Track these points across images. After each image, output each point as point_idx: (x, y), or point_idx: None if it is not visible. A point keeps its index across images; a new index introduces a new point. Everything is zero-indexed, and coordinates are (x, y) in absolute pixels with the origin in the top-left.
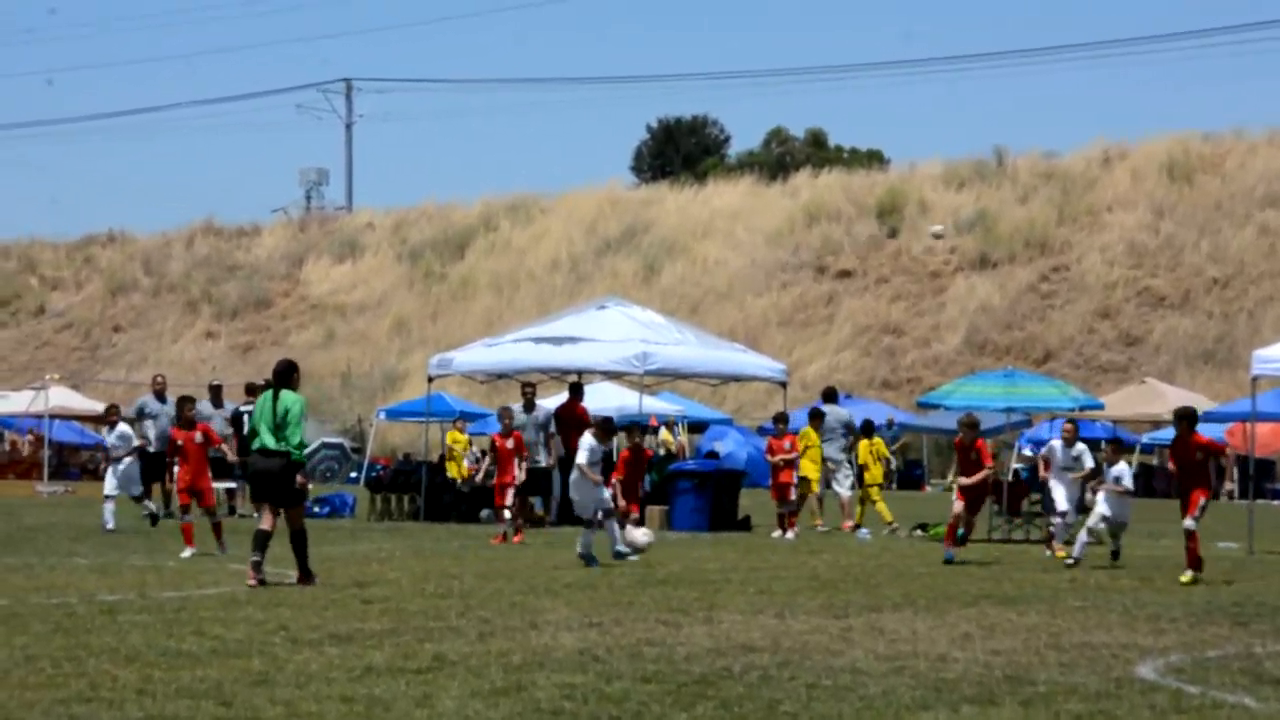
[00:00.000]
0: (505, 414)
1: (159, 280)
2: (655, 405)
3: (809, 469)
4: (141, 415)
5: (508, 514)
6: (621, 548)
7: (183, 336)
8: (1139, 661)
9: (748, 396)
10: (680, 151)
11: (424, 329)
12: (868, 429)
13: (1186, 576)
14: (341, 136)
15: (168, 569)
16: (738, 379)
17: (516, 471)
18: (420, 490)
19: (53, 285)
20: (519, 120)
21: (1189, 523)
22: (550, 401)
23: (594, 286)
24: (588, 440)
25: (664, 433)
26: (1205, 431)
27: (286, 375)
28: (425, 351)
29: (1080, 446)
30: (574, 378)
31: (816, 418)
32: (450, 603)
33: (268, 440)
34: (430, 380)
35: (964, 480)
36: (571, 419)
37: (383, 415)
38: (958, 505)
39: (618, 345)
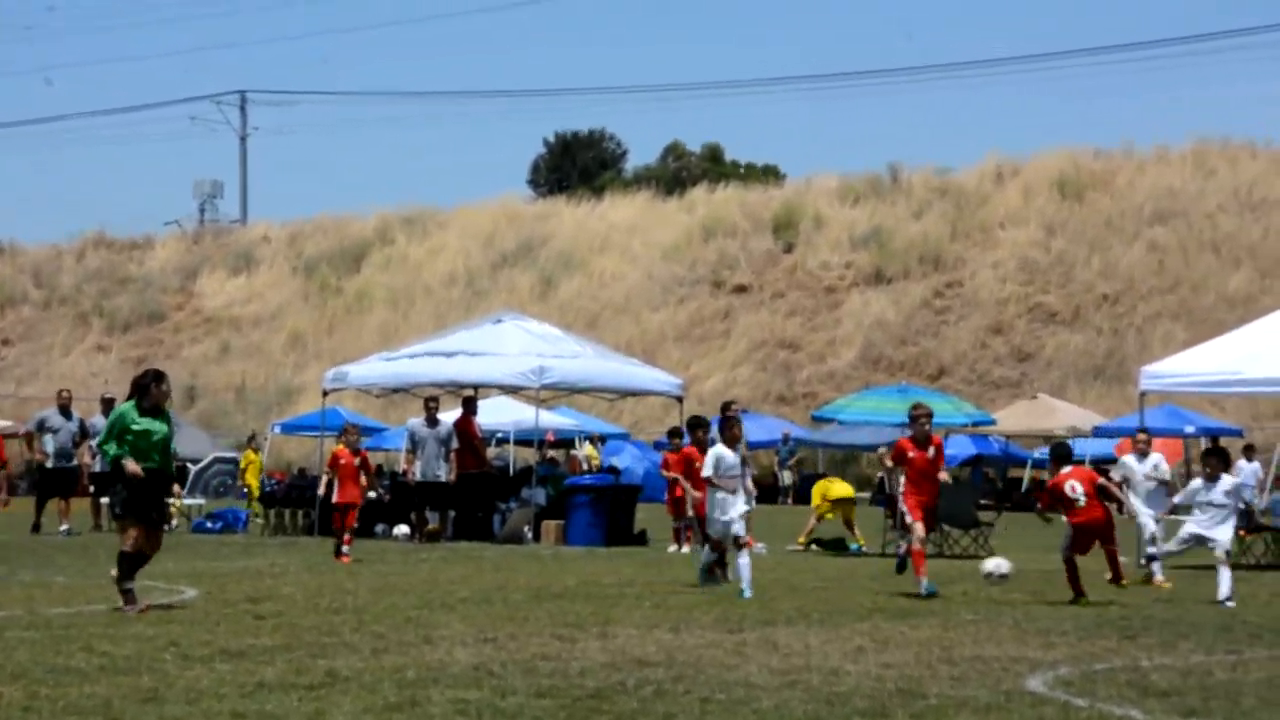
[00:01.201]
0: (352, 430)
1: (49, 293)
2: (552, 420)
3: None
4: (41, 429)
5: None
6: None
7: (74, 350)
8: (1029, 674)
9: (644, 411)
10: (577, 165)
11: (320, 343)
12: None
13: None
14: (236, 148)
15: (56, 585)
16: (634, 394)
17: (357, 490)
18: (314, 505)
19: None
20: (415, 133)
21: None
22: (447, 417)
23: (491, 300)
24: (721, 452)
25: (588, 447)
26: (1093, 447)
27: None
28: (321, 365)
29: (1156, 455)
30: (469, 392)
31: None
32: (344, 618)
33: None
34: (325, 394)
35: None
36: (463, 434)
37: (277, 429)
38: (920, 529)
39: (514, 359)
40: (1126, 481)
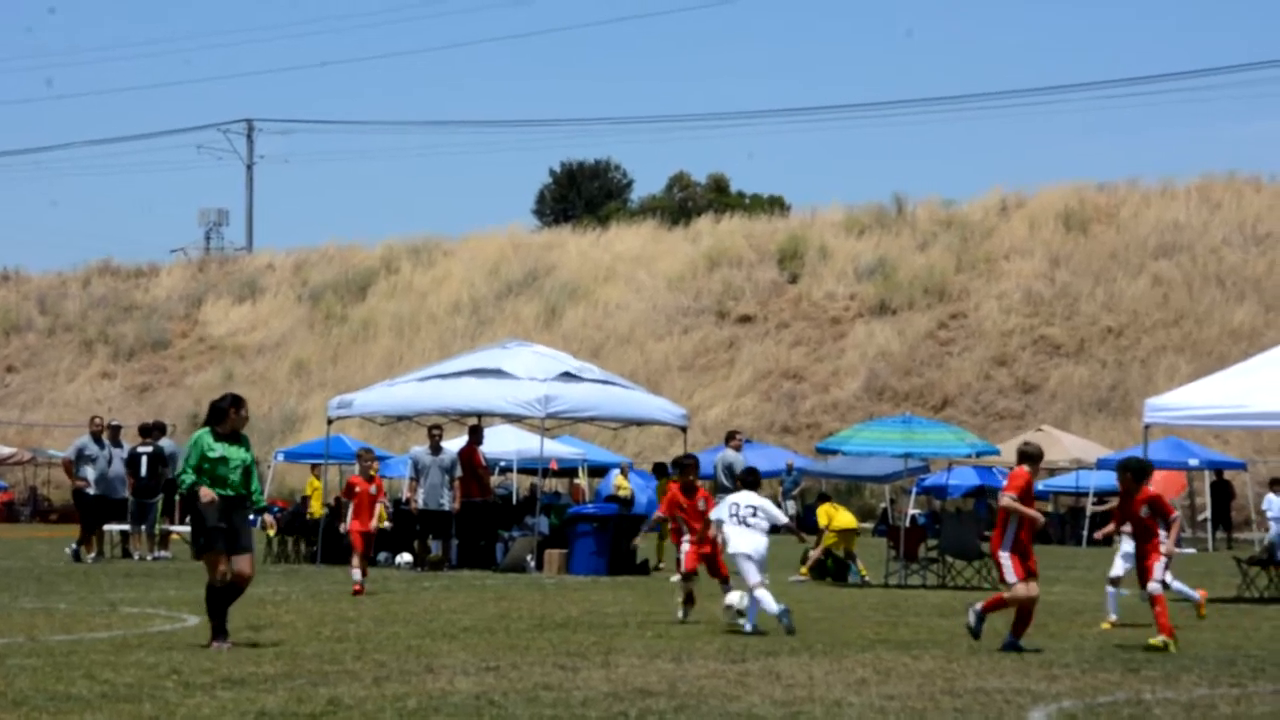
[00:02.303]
0: (366, 455)
1: (54, 320)
2: (556, 449)
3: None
4: (80, 458)
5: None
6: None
7: (78, 377)
8: (1032, 707)
9: (648, 440)
10: (582, 195)
11: (324, 371)
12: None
13: (1157, 640)
14: (242, 177)
15: (59, 612)
16: (639, 423)
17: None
18: (317, 533)
19: None
20: (421, 162)
21: (1153, 586)
22: (453, 445)
23: (495, 329)
24: (751, 496)
25: (619, 477)
26: (1096, 480)
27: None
28: (325, 393)
29: None
30: (473, 420)
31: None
32: (346, 646)
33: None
34: (330, 422)
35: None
36: (468, 462)
37: (281, 457)
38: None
39: (519, 387)
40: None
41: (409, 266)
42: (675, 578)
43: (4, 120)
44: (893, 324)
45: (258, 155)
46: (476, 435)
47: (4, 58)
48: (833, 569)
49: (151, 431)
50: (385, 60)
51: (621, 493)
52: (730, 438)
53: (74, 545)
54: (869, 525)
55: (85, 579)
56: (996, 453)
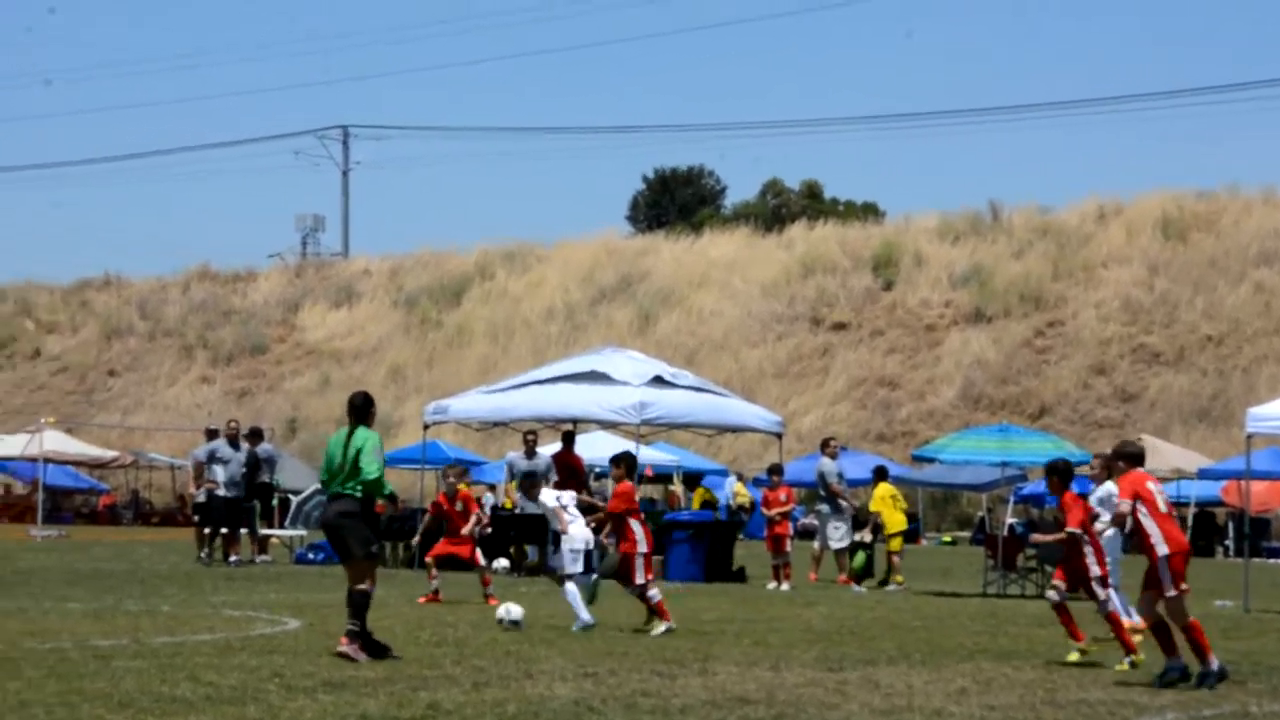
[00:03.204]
0: (450, 472)
1: (154, 324)
2: (650, 455)
3: (896, 521)
4: (213, 459)
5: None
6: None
7: (178, 381)
8: (1136, 719)
9: (743, 447)
10: (676, 202)
11: (419, 376)
12: (881, 473)
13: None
14: (338, 183)
15: (162, 614)
16: (734, 430)
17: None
18: (415, 537)
19: (48, 329)
20: (516, 168)
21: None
22: (547, 450)
23: (589, 335)
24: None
25: (737, 484)
26: (1197, 489)
27: (366, 409)
28: (420, 398)
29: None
30: (568, 426)
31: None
32: (444, 651)
33: (338, 484)
34: (426, 427)
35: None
36: (564, 467)
37: None
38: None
39: (614, 394)
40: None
41: (504, 272)
42: (777, 586)
43: (103, 128)
44: (988, 332)
45: (353, 161)
46: (570, 440)
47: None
48: (859, 569)
49: (251, 436)
50: (480, 66)
51: (740, 499)
52: (825, 445)
53: (205, 552)
54: (965, 534)
55: (188, 581)
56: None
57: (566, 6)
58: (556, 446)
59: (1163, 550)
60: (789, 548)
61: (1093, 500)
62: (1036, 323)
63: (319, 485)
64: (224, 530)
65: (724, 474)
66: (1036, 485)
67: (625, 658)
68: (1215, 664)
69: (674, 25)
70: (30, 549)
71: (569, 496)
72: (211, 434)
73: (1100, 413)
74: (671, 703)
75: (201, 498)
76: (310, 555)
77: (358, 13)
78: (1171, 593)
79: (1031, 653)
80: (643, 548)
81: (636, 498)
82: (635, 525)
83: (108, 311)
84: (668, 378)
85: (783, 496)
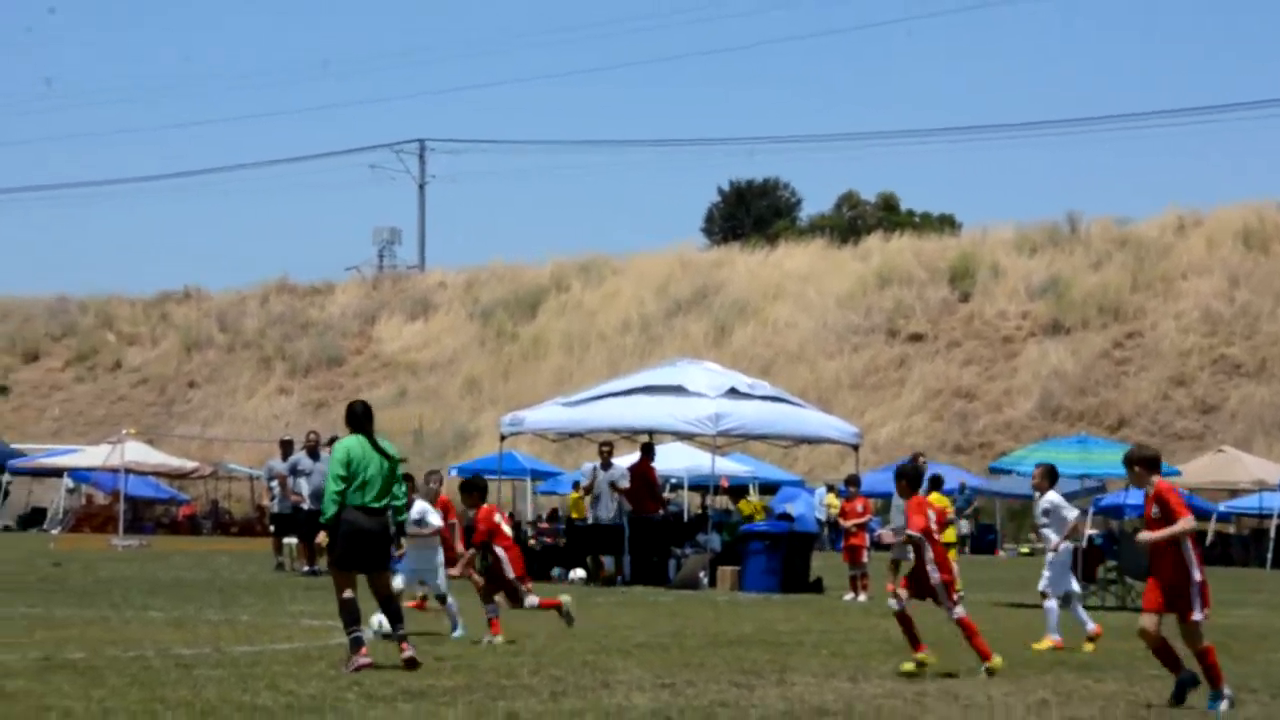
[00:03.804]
0: (430, 478)
1: (234, 337)
2: (726, 466)
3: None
4: (295, 472)
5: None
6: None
7: (256, 393)
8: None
9: (819, 459)
10: (751, 214)
11: (495, 388)
12: (935, 483)
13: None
14: (414, 196)
15: (241, 623)
16: (810, 441)
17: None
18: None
19: (129, 341)
20: (590, 181)
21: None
22: (624, 461)
23: (665, 347)
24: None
25: (829, 495)
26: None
27: (371, 416)
28: (496, 410)
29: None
30: (644, 438)
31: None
32: (522, 661)
33: (372, 496)
34: (502, 438)
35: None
36: (639, 478)
37: (454, 473)
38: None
39: (690, 405)
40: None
41: (579, 284)
42: (854, 597)
43: (185, 143)
44: (1066, 343)
45: (429, 175)
46: (649, 452)
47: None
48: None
49: (327, 445)
50: (555, 79)
51: (834, 510)
52: (915, 459)
53: (307, 565)
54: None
55: (266, 591)
56: (1176, 474)
57: (644, 20)
58: (635, 457)
59: (1199, 575)
60: (866, 559)
61: (1037, 511)
62: (1115, 334)
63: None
64: (301, 540)
65: (799, 484)
66: (1115, 496)
67: (703, 669)
68: (1227, 691)
69: (752, 38)
70: (112, 558)
71: (435, 516)
72: (286, 446)
73: (1180, 424)
74: (750, 713)
75: (276, 508)
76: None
77: (434, 28)
78: (1199, 616)
79: (1112, 665)
80: (509, 572)
81: (497, 518)
82: (499, 550)
83: (187, 324)
84: (743, 389)
85: (859, 508)
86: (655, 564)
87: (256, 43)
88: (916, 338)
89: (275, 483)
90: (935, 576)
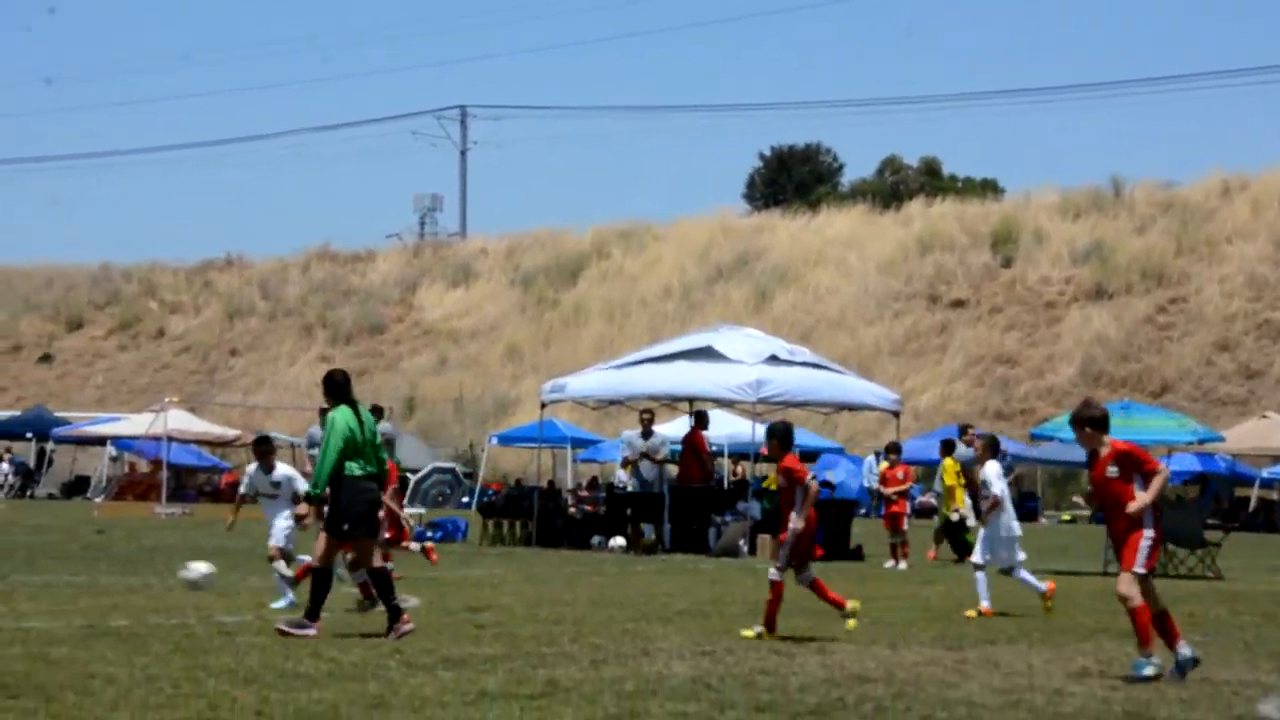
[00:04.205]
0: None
1: (275, 304)
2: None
3: (960, 499)
4: None
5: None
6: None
7: (298, 360)
8: (1261, 699)
9: (859, 425)
10: (793, 179)
11: (536, 355)
12: (948, 447)
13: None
14: (456, 163)
15: None
16: (850, 408)
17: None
18: (532, 516)
19: (172, 309)
20: (631, 147)
21: (772, 572)
22: (664, 429)
23: (706, 314)
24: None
25: (881, 464)
26: None
27: (350, 384)
28: (537, 377)
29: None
30: (695, 406)
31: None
32: (562, 629)
33: (370, 464)
34: (543, 406)
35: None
36: (689, 446)
37: (495, 440)
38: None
39: (731, 372)
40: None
41: (619, 251)
42: (894, 565)
43: (227, 110)
44: (1109, 308)
45: (471, 141)
46: (702, 420)
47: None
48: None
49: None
50: (595, 45)
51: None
52: (963, 432)
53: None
54: (1085, 513)
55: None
56: (1220, 439)
57: None
58: (674, 424)
59: (1153, 532)
60: (906, 526)
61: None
62: (1159, 299)
63: (437, 465)
64: None
65: (840, 452)
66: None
67: (743, 637)
68: (1154, 658)
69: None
70: (155, 526)
71: (301, 482)
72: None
73: (1224, 390)
74: (790, 681)
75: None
76: (429, 534)
77: None
78: (1141, 570)
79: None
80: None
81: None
82: None
83: (230, 291)
84: (784, 355)
85: (900, 475)
86: (695, 532)
87: (300, 9)
88: (958, 304)
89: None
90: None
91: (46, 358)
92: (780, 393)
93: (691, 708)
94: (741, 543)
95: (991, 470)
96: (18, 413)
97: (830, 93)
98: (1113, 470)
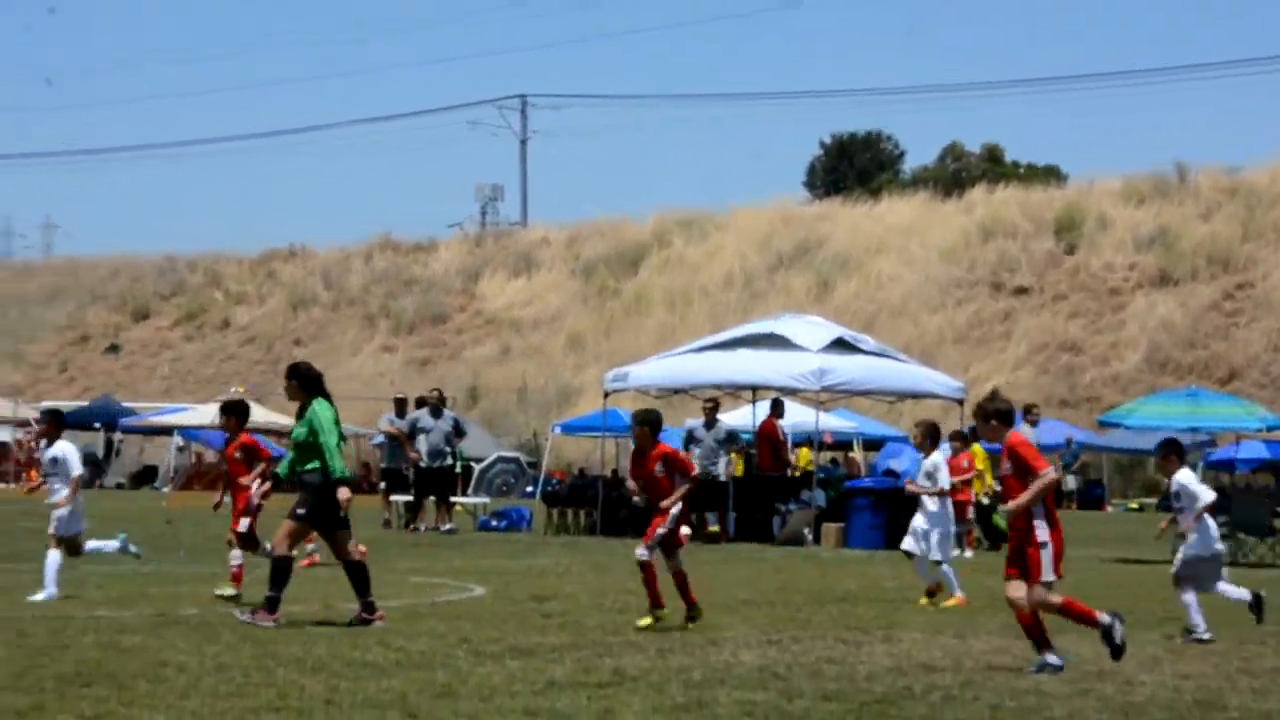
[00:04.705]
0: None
1: (338, 294)
2: (830, 422)
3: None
4: (415, 430)
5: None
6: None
7: (361, 350)
8: None
9: (923, 414)
10: (854, 167)
11: (598, 344)
12: (972, 433)
13: (644, 620)
14: (516, 152)
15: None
16: (914, 396)
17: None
18: (596, 505)
19: (237, 299)
20: (691, 135)
21: (640, 551)
22: (728, 417)
23: (768, 302)
24: None
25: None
26: None
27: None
28: (599, 366)
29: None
30: (748, 394)
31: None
32: (628, 618)
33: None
34: (606, 395)
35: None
36: (766, 435)
37: (558, 430)
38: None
39: (794, 360)
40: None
41: (680, 240)
42: (960, 553)
43: (289, 100)
44: (1175, 295)
45: (531, 130)
46: (778, 408)
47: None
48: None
49: (427, 403)
50: (654, 33)
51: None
52: (1027, 412)
53: (447, 523)
54: (1152, 500)
55: (375, 549)
56: None
57: None
58: (740, 412)
59: (1043, 536)
60: (971, 514)
61: (921, 473)
62: (1225, 285)
63: (501, 455)
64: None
65: (904, 440)
66: (1226, 451)
67: (809, 625)
68: (1051, 660)
69: None
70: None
71: (77, 465)
72: (400, 403)
73: None
74: (857, 669)
75: (385, 463)
76: (494, 523)
77: None
78: (1049, 577)
79: (1225, 621)
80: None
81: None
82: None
83: (293, 281)
84: (849, 340)
85: (965, 463)
86: (760, 520)
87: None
88: (1021, 291)
89: (384, 438)
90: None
91: (114, 348)
92: (844, 381)
93: (759, 696)
94: (806, 531)
95: (936, 460)
96: (85, 403)
97: (891, 79)
98: (1008, 466)
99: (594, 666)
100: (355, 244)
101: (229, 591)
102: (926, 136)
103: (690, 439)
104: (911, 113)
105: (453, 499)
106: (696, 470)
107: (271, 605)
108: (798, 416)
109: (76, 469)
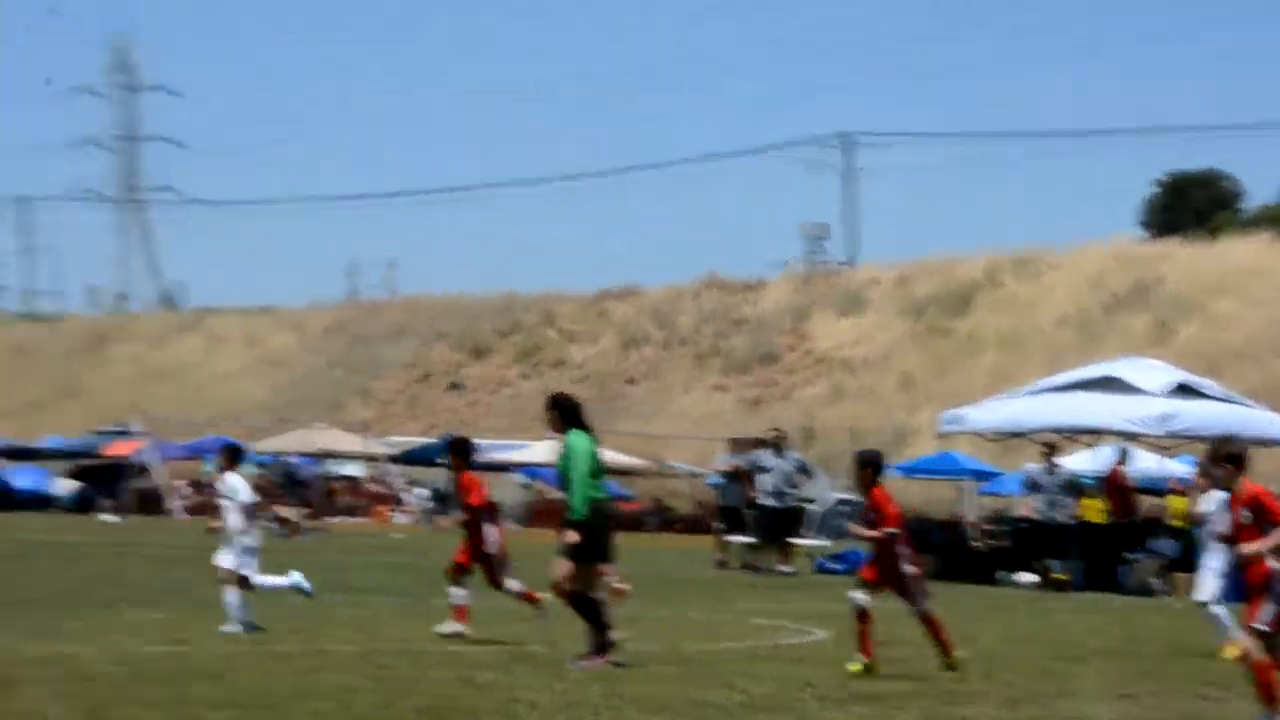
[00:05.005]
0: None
1: (669, 333)
2: (1173, 468)
3: None
4: (758, 469)
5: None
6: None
7: (693, 389)
8: None
9: (1275, 464)
10: (1190, 205)
11: (930, 385)
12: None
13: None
14: (839, 190)
15: (690, 620)
16: (1264, 444)
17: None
18: (934, 549)
19: (570, 337)
20: (1021, 173)
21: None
22: (1069, 461)
23: (1104, 345)
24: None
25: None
26: None
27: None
28: (932, 407)
29: None
30: (1087, 438)
31: None
32: (973, 665)
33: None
34: (940, 437)
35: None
36: (1112, 484)
37: (895, 472)
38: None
39: (1135, 404)
40: None
41: (1012, 279)
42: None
43: (619, 139)
44: None
45: (857, 168)
46: (1122, 456)
47: (606, 82)
48: None
49: (764, 444)
50: (981, 70)
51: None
52: None
53: (783, 566)
54: None
55: (712, 589)
56: None
57: (1070, 10)
58: (1080, 457)
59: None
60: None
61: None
62: None
63: (840, 497)
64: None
65: None
66: None
67: (1164, 679)
68: None
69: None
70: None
71: (246, 491)
72: (736, 443)
73: None
74: None
75: (722, 501)
76: (832, 565)
77: (852, 23)
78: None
79: None
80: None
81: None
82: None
83: (625, 320)
84: (1195, 386)
85: None
86: (1106, 569)
87: (689, 37)
88: None
89: (721, 478)
90: (909, 570)
91: (455, 385)
92: (1191, 426)
93: None
94: (1155, 581)
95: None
96: (433, 440)
97: (1231, 117)
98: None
99: (939, 715)
100: (684, 283)
101: (454, 628)
102: (1266, 175)
103: (1033, 485)
104: (1250, 150)
105: (791, 539)
106: (1035, 515)
107: (598, 648)
108: (1139, 461)
109: (244, 498)
